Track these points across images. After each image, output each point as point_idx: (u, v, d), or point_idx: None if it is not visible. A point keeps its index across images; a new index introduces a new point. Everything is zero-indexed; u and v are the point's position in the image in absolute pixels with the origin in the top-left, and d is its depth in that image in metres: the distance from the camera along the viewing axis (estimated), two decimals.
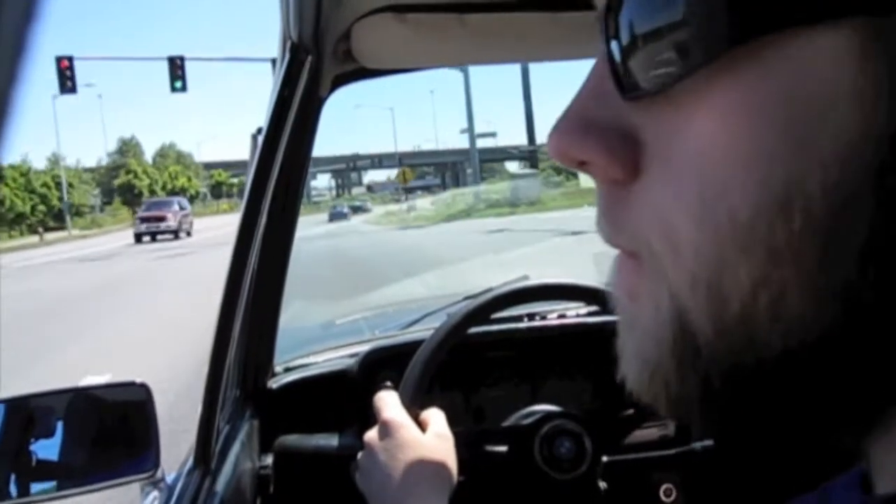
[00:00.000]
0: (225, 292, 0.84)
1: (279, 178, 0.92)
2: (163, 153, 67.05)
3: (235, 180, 67.54)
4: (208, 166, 70.48)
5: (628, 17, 0.23)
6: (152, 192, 53.02)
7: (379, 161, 63.12)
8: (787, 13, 0.20)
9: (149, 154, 66.77)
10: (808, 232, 0.21)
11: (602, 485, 0.98)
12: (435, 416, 0.90)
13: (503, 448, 0.98)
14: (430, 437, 0.86)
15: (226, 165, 69.78)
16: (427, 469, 0.82)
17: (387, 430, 0.86)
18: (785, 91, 0.21)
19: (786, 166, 0.21)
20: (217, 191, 69.77)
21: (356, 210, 39.21)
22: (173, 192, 59.28)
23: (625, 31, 0.23)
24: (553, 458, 0.95)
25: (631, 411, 1.03)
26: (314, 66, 0.88)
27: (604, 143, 0.24)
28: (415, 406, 0.90)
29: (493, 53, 0.99)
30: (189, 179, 63.26)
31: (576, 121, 0.25)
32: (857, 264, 0.21)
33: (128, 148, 62.71)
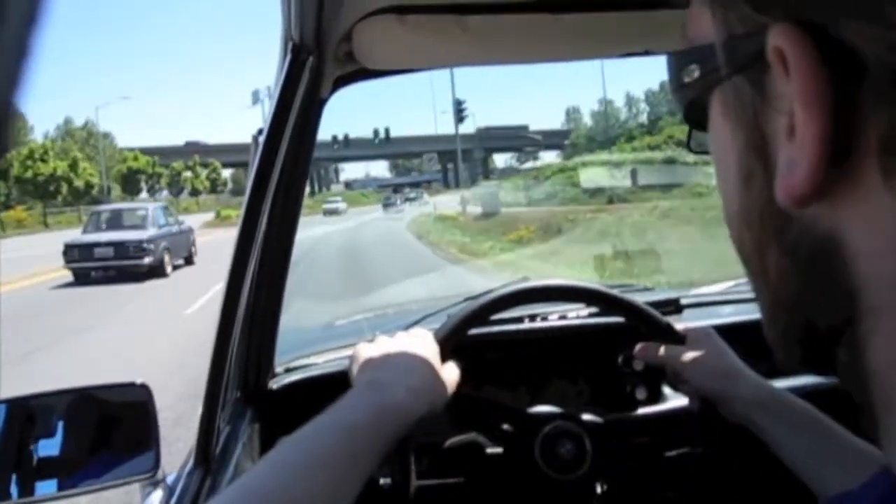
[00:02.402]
0: (226, 293, 0.85)
1: (280, 179, 0.92)
2: (69, 132, 47.13)
3: (165, 170, 46.04)
4: (147, 153, 47.39)
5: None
6: None
7: (387, 136, 48.21)
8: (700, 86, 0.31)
9: (50, 130, 45.24)
10: (757, 242, 0.30)
11: (602, 486, 0.98)
12: None
13: (503, 424, 0.97)
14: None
15: (156, 152, 46.80)
16: (428, 363, 0.79)
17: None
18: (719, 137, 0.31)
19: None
20: (132, 183, 45.87)
21: (411, 201, 37.13)
22: (22, 182, 36.18)
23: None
24: (553, 459, 0.95)
25: (632, 413, 1.03)
26: (315, 66, 0.88)
27: None
28: None
29: (493, 54, 0.99)
30: (73, 164, 38.84)
31: None
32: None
33: None
